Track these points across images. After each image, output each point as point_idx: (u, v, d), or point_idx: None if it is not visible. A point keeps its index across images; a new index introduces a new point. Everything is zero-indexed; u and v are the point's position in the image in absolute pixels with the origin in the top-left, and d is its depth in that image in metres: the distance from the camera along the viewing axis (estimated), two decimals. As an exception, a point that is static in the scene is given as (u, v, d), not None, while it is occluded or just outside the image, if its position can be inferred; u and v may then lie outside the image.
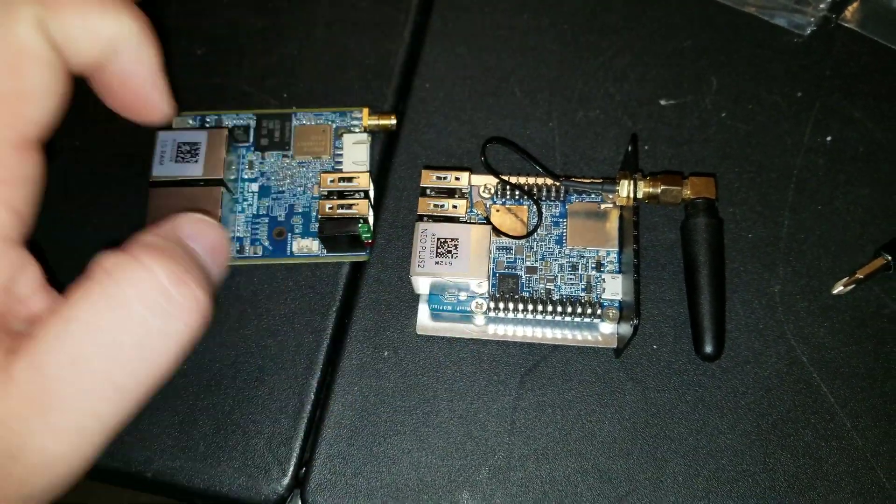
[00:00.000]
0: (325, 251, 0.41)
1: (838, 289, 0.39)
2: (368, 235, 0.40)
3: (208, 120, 0.44)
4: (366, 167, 0.42)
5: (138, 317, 0.27)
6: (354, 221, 0.39)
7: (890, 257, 0.39)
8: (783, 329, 0.39)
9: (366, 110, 0.43)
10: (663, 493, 0.36)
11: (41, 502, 0.27)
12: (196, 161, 0.40)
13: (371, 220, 0.41)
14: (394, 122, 0.43)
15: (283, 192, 0.42)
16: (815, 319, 0.39)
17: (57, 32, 0.29)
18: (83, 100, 0.44)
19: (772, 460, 0.37)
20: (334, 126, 0.43)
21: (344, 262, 0.42)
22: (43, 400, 0.26)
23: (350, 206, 0.39)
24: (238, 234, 0.41)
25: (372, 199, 0.41)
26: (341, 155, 0.42)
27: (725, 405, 0.38)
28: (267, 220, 0.41)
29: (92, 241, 0.42)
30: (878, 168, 0.42)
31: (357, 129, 0.43)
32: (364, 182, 0.40)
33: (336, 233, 0.39)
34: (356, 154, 0.42)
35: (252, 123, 0.44)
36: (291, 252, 0.41)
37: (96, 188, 0.44)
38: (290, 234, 0.41)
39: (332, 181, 0.40)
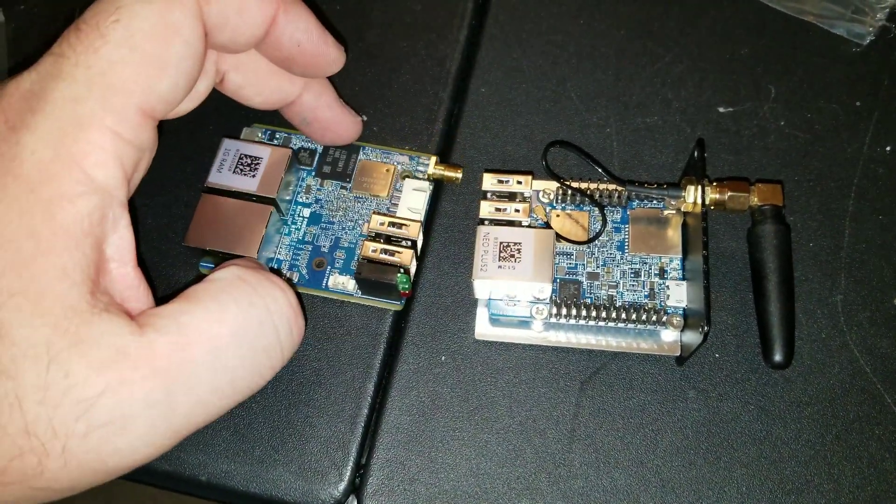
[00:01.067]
0: (359, 292, 0.40)
1: (901, 299, 0.39)
2: (406, 286, 0.39)
3: (277, 136, 0.43)
4: (420, 216, 0.41)
5: (272, 329, 0.31)
6: (394, 270, 0.38)
7: (953, 268, 0.38)
8: (846, 339, 0.39)
9: (434, 158, 0.42)
10: (727, 502, 0.36)
11: (103, 480, 0.28)
12: (254, 176, 0.39)
13: (413, 269, 0.39)
14: (460, 175, 0.42)
15: (333, 223, 0.41)
16: (878, 330, 0.39)
17: (213, 16, 0.31)
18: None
19: (836, 471, 0.36)
20: (399, 168, 0.42)
21: (376, 307, 0.40)
22: (171, 379, 0.27)
23: (393, 254, 0.38)
24: (279, 257, 0.40)
25: (419, 250, 0.40)
26: (399, 198, 0.41)
27: (789, 415, 0.37)
28: (311, 249, 0.41)
29: (137, 227, 0.42)
30: (940, 178, 0.42)
31: (421, 176, 0.42)
32: (414, 232, 0.39)
33: (372, 277, 0.38)
34: (414, 201, 0.41)
35: (319, 148, 0.43)
36: (327, 286, 0.40)
37: (150, 185, 0.43)
38: (329, 267, 0.40)
39: (381, 223, 0.39)
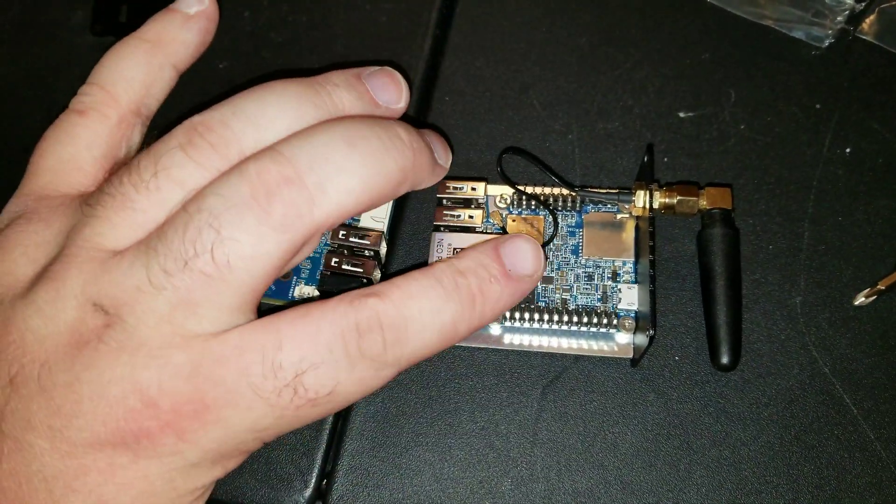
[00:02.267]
0: None
1: (860, 300, 0.39)
2: None
3: None
4: (383, 225, 0.41)
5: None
6: (356, 281, 0.39)
7: (911, 268, 0.39)
8: (805, 340, 0.39)
9: None
10: (686, 504, 0.36)
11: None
12: None
13: (377, 278, 0.40)
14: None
15: (298, 234, 0.42)
16: (837, 331, 0.39)
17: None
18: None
19: (795, 471, 0.37)
20: None
21: None
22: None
23: (356, 265, 0.39)
24: None
25: (382, 259, 0.41)
26: None
27: (748, 416, 0.38)
28: None
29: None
30: (898, 179, 0.42)
31: None
32: (375, 241, 0.39)
33: (335, 289, 0.38)
34: (376, 210, 0.41)
35: None
36: (293, 297, 0.40)
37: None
38: (295, 278, 0.41)
39: (343, 234, 0.39)
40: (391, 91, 0.35)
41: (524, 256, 0.34)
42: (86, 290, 0.29)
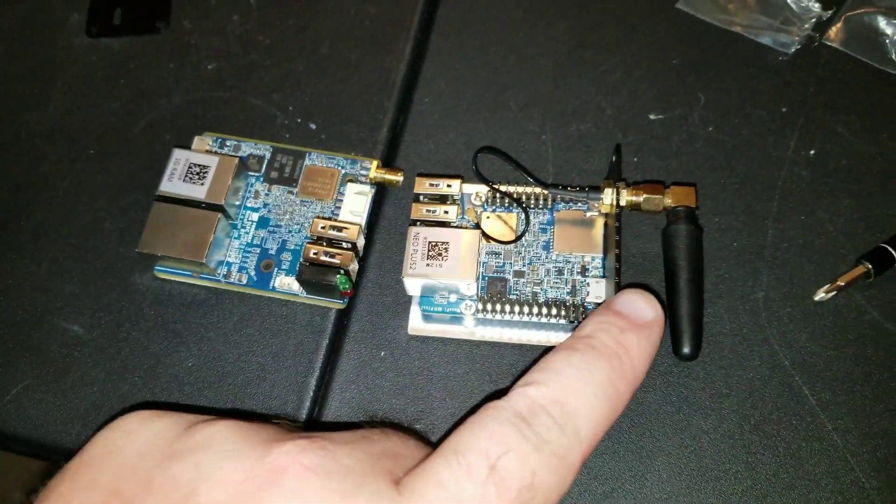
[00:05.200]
0: (304, 292, 0.42)
1: (820, 296, 0.41)
2: (346, 286, 0.41)
3: (227, 144, 0.45)
4: (360, 219, 0.42)
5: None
6: (334, 271, 0.40)
7: (870, 265, 0.40)
8: (766, 334, 0.40)
9: (375, 162, 0.44)
10: (647, 490, 0.38)
11: None
12: (202, 184, 0.42)
13: (354, 270, 0.41)
14: (400, 178, 0.44)
15: (280, 226, 0.43)
16: (798, 325, 0.41)
17: None
18: (101, 106, 0.46)
19: (754, 459, 0.38)
20: (343, 172, 0.44)
21: (320, 306, 0.42)
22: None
23: (334, 256, 0.40)
24: (229, 259, 0.42)
25: (360, 251, 0.42)
26: (341, 202, 0.43)
27: (709, 406, 0.39)
28: (259, 251, 0.43)
29: (95, 238, 0.44)
30: (860, 180, 0.44)
31: (363, 180, 0.44)
32: (353, 234, 0.41)
33: (313, 279, 0.40)
34: (355, 204, 0.43)
35: (267, 155, 0.45)
36: (274, 287, 0.42)
37: (109, 191, 0.46)
38: (276, 269, 0.42)
39: (322, 227, 0.41)
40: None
41: (638, 305, 0.34)
42: None
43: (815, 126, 0.45)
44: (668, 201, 0.40)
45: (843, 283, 0.40)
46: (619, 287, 0.37)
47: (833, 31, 0.47)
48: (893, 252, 0.40)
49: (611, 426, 0.32)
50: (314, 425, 0.40)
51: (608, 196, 0.40)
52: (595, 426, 0.30)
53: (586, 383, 0.31)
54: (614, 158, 0.40)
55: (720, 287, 0.41)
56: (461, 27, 0.50)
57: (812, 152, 0.45)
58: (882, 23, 0.47)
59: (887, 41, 0.47)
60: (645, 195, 0.40)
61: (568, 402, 0.30)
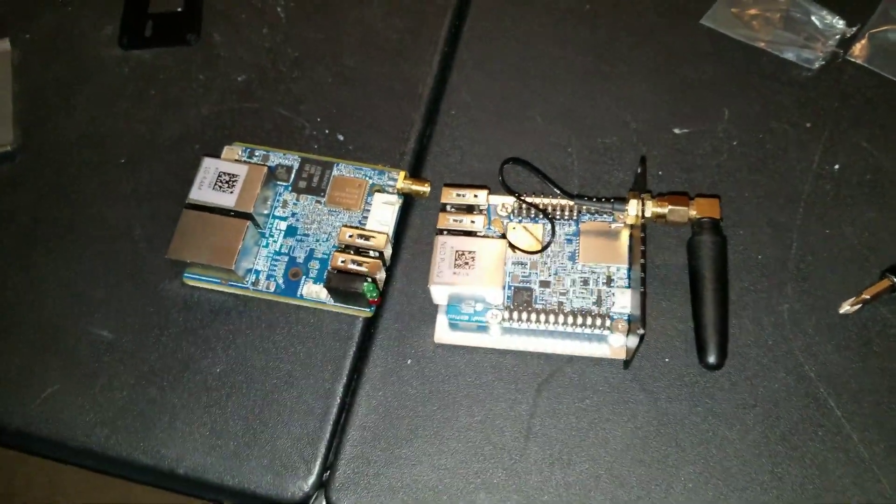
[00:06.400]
0: (331, 300, 0.42)
1: (845, 308, 0.41)
2: (374, 294, 0.41)
3: (256, 154, 0.46)
4: (388, 228, 0.43)
5: None
6: (361, 279, 0.40)
7: (895, 279, 0.40)
8: (791, 346, 0.41)
9: (402, 173, 0.45)
10: (674, 498, 0.38)
11: None
12: (231, 192, 0.42)
13: (381, 279, 0.42)
14: (427, 189, 0.45)
15: (308, 235, 0.44)
16: (823, 337, 0.41)
17: None
18: (132, 116, 0.47)
19: (780, 470, 0.38)
20: (370, 182, 0.45)
21: (347, 314, 0.43)
22: None
23: (361, 264, 0.41)
24: (257, 267, 0.43)
25: (387, 260, 0.43)
26: (369, 211, 0.44)
27: (735, 416, 0.39)
28: (287, 259, 0.43)
29: (124, 245, 0.45)
30: (885, 194, 0.44)
31: (391, 190, 0.45)
32: (381, 243, 0.41)
33: (341, 287, 0.41)
34: (383, 214, 0.44)
35: (296, 165, 0.46)
36: (301, 294, 0.42)
37: (138, 198, 0.47)
38: (304, 277, 0.43)
39: (350, 236, 0.42)
40: None
41: None
42: None
43: (839, 140, 0.46)
44: (693, 213, 0.41)
45: (868, 297, 0.40)
46: (644, 297, 0.37)
47: (857, 47, 0.47)
48: (918, 266, 0.41)
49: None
50: (343, 427, 0.40)
51: (633, 207, 0.40)
52: None
53: None
54: (640, 170, 0.40)
55: (745, 299, 0.42)
56: (487, 40, 0.51)
57: (836, 167, 0.45)
58: (905, 39, 0.47)
59: (911, 57, 0.47)
60: (670, 206, 0.41)
61: None
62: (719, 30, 0.49)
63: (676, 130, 0.47)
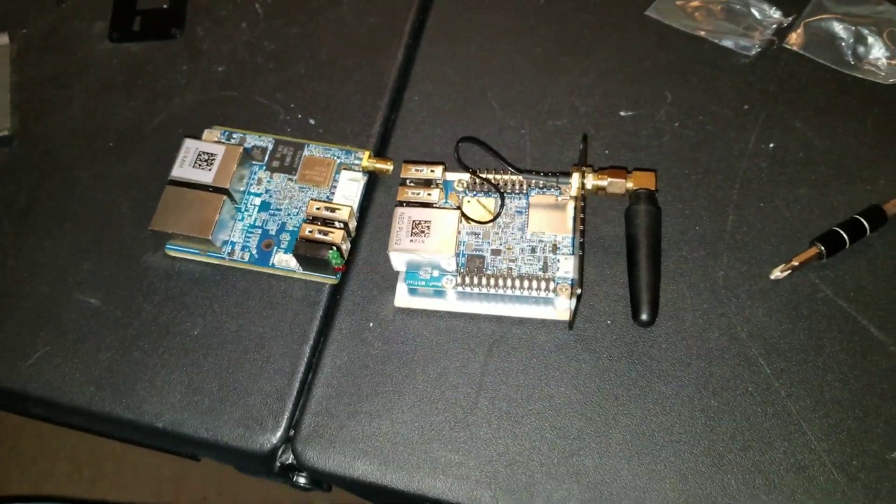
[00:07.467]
0: (300, 268, 0.46)
1: (776, 274, 0.44)
2: (339, 262, 0.44)
3: (234, 136, 0.50)
4: (353, 202, 0.47)
5: None
6: (326, 247, 0.44)
7: (823, 247, 0.44)
8: (725, 309, 0.44)
9: (367, 152, 0.48)
10: (612, 448, 0.41)
11: None
12: (210, 170, 0.46)
13: (346, 248, 0.45)
14: (390, 167, 0.48)
15: (280, 210, 0.47)
16: (755, 301, 0.44)
17: None
18: (121, 105, 0.51)
19: (712, 423, 0.41)
20: (338, 161, 0.48)
21: (315, 281, 0.46)
22: None
23: (327, 234, 0.44)
24: (233, 239, 0.47)
25: (352, 231, 0.46)
26: (336, 187, 0.48)
27: (671, 373, 0.42)
28: (260, 232, 0.47)
29: (112, 222, 0.49)
30: (816, 170, 0.47)
31: (356, 168, 0.48)
32: (345, 215, 0.45)
33: (308, 254, 0.44)
34: (348, 189, 0.47)
35: (270, 146, 0.49)
36: (273, 264, 0.46)
37: (126, 181, 0.50)
38: (276, 248, 0.46)
39: (318, 208, 0.45)
40: None
41: None
42: None
43: (774, 122, 0.49)
44: (630, 185, 0.44)
45: (797, 263, 0.44)
46: (582, 261, 0.40)
47: (793, 35, 0.51)
48: (844, 235, 0.44)
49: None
50: (310, 385, 0.44)
51: (576, 179, 0.44)
52: None
53: None
54: (582, 147, 0.44)
55: (683, 267, 0.45)
56: (449, 34, 0.54)
57: (771, 145, 0.48)
58: (838, 28, 0.51)
59: (843, 44, 0.50)
60: (609, 179, 0.44)
61: None
62: (663, 20, 0.52)
63: (622, 113, 0.50)
